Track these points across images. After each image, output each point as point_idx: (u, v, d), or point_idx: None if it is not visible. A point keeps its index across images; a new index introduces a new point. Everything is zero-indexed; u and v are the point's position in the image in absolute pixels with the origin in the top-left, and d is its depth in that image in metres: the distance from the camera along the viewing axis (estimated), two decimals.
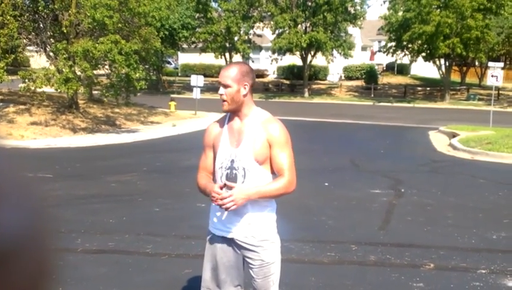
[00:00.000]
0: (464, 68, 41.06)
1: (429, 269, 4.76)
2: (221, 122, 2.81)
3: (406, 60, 38.31)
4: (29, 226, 0.45)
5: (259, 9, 34.63)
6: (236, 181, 2.64)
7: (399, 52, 35.17)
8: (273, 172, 2.69)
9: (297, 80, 38.10)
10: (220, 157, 2.71)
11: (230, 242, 2.74)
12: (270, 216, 2.74)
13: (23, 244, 0.43)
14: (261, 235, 2.69)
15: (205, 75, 33.17)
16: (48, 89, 16.48)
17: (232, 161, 2.66)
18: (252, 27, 34.94)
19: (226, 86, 2.64)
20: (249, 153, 2.63)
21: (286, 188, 2.63)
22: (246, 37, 35.34)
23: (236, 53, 35.80)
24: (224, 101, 2.65)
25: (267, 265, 2.70)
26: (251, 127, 2.67)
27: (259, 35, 36.37)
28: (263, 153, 2.64)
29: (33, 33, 17.39)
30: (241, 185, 2.61)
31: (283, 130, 2.69)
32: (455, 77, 40.48)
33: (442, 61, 34.29)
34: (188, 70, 45.05)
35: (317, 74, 43.80)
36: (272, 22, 33.92)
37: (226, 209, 2.57)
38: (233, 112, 2.71)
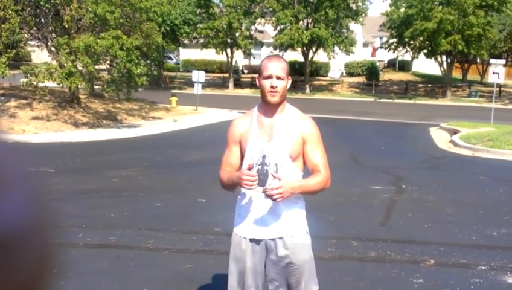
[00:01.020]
0: (466, 65, 41.01)
1: (429, 265, 4.78)
2: (248, 118, 2.73)
3: (407, 57, 38.30)
4: (31, 218, 0.45)
5: (260, 5, 34.56)
6: (267, 178, 2.55)
7: (400, 48, 35.14)
8: (303, 169, 2.66)
9: (299, 76, 38.02)
10: (251, 152, 2.63)
11: (259, 244, 2.65)
12: (302, 213, 2.69)
13: (25, 236, 0.43)
14: (296, 234, 2.62)
15: (206, 71, 33.14)
16: (50, 84, 16.49)
17: (264, 157, 2.59)
18: (254, 23, 34.87)
19: (279, 78, 2.58)
20: (283, 149, 2.58)
21: (325, 183, 2.59)
22: (248, 33, 35.28)
23: (237, 49, 35.76)
24: (276, 92, 2.57)
25: (300, 265, 2.63)
26: (284, 122, 2.62)
27: (261, 31, 36.31)
28: (296, 150, 2.60)
29: (35, 28, 17.39)
30: (284, 179, 2.49)
31: (316, 127, 2.68)
32: (457, 74, 40.43)
33: (444, 58, 34.26)
34: (189, 65, 45.00)
35: (319, 70, 43.76)
36: (273, 18, 33.86)
37: (274, 200, 2.45)
38: (268, 106, 2.63)
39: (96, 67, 16.34)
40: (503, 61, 20.47)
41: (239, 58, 42.42)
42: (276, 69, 2.57)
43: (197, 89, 22.14)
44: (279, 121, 2.62)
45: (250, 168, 2.53)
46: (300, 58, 37.52)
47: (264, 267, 2.69)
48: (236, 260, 2.71)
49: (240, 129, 2.72)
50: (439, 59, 34.19)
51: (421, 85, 40.21)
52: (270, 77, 2.57)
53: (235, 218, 2.75)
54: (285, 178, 2.50)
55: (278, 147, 2.58)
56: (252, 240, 2.65)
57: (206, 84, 32.12)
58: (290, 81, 2.66)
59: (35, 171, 0.51)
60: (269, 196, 2.44)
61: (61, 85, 15.88)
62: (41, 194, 0.48)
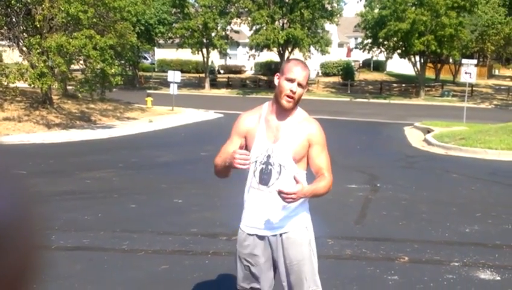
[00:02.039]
0: (439, 65, 41.75)
1: (404, 262, 4.83)
2: (257, 114, 2.71)
3: (381, 57, 38.81)
4: (16, 219, 0.45)
5: (236, 5, 34.56)
6: (270, 177, 2.59)
7: (375, 49, 35.58)
8: (306, 169, 2.67)
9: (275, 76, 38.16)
10: (256, 151, 2.63)
11: (263, 240, 2.68)
12: (305, 211, 2.71)
13: (10, 237, 0.43)
14: (297, 232, 2.64)
15: (182, 71, 32.97)
16: (21, 84, 16.15)
17: (268, 157, 2.60)
18: (229, 23, 34.85)
19: (300, 85, 2.56)
20: (287, 150, 2.59)
21: (329, 187, 2.60)
22: (223, 33, 35.25)
23: (213, 49, 35.68)
24: (292, 99, 2.55)
25: (301, 261, 2.65)
26: (291, 124, 2.62)
27: (237, 31, 36.31)
28: (301, 152, 2.61)
29: (5, 27, 17.01)
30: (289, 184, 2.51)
31: (322, 130, 2.68)
32: (430, 74, 41.13)
33: (417, 58, 34.80)
34: (165, 65, 44.69)
35: None
36: (249, 18, 33.89)
37: (287, 202, 2.45)
38: (279, 109, 2.60)
39: (70, 67, 16.07)
40: (474, 61, 20.89)
41: (215, 58, 42.33)
42: (300, 75, 2.55)
43: (173, 89, 22.00)
44: (286, 123, 2.62)
45: (242, 147, 2.55)
46: (276, 59, 37.64)
47: (273, 264, 2.73)
48: (241, 256, 2.74)
49: (248, 125, 2.71)
50: (412, 59, 34.71)
51: (395, 85, 40.77)
52: (292, 80, 2.54)
53: (243, 213, 2.76)
54: (303, 183, 2.49)
55: (283, 149, 2.59)
56: (256, 236, 2.68)
57: (182, 85, 31.93)
58: (306, 90, 2.65)
59: (17, 173, 0.50)
60: (283, 198, 2.43)
61: (32, 86, 15.58)
62: (26, 196, 0.48)
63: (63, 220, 6.05)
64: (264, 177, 2.59)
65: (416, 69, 35.20)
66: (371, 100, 32.52)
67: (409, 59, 34.77)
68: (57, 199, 7.13)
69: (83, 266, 4.70)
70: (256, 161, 2.61)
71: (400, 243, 5.41)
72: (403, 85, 39.87)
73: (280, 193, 2.41)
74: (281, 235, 2.64)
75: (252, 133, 2.66)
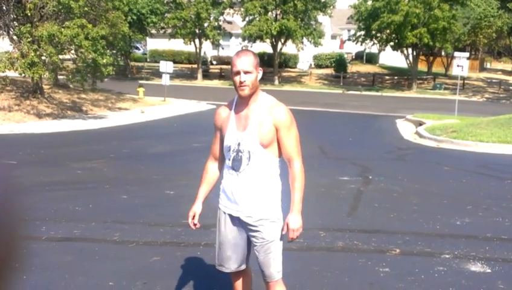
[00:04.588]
0: (431, 58, 41.83)
1: (395, 254, 4.85)
2: (229, 107, 2.93)
3: (374, 49, 38.84)
4: None
5: None
6: (241, 164, 2.79)
7: (368, 41, 35.56)
8: (279, 155, 2.83)
9: (268, 67, 38.03)
10: (228, 140, 2.85)
11: (236, 220, 2.90)
12: (273, 195, 2.85)
13: None
14: (263, 214, 2.82)
15: (174, 61, 32.76)
16: (11, 74, 15.98)
17: (239, 144, 2.80)
18: (222, 13, 34.66)
19: (247, 72, 2.73)
20: (254, 137, 2.76)
21: (303, 172, 2.81)
22: (216, 24, 35.04)
23: (206, 39, 35.48)
24: (245, 86, 2.73)
25: (267, 243, 2.83)
26: (257, 111, 2.79)
27: (230, 22, 36.12)
28: (268, 137, 2.76)
29: None
30: (293, 217, 2.77)
31: (288, 113, 2.80)
32: (422, 67, 41.22)
33: (410, 50, 34.84)
34: (157, 56, 44.43)
35: (288, 61, 43.86)
36: (242, 9, 33.70)
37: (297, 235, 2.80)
38: (242, 98, 2.80)
39: (61, 56, 15.91)
40: (467, 54, 20.95)
41: (207, 49, 42.11)
42: (243, 64, 2.73)
43: (165, 80, 21.88)
44: (253, 110, 2.79)
45: (193, 217, 2.99)
46: (269, 50, 37.53)
47: (248, 243, 2.97)
48: (218, 232, 3.00)
49: (221, 118, 2.94)
50: (405, 52, 34.75)
51: (387, 77, 40.83)
52: (238, 73, 2.73)
53: (220, 194, 3.01)
54: (289, 220, 2.77)
55: (250, 136, 2.76)
56: (230, 216, 2.92)
57: (174, 75, 31.77)
58: (260, 73, 2.81)
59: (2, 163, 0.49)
60: (296, 237, 2.81)
61: (23, 75, 15.42)
62: (7, 186, 0.48)
63: (54, 210, 6.00)
64: (236, 164, 2.81)
65: (408, 62, 35.26)
66: (364, 92, 32.56)
67: (402, 52, 34.81)
68: (47, 189, 7.08)
69: (74, 257, 4.67)
70: (229, 150, 2.84)
71: (391, 235, 5.43)
72: (395, 78, 39.94)
73: (292, 239, 2.80)
74: (249, 217, 2.83)
75: (225, 124, 2.88)
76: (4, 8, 16.86)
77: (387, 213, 6.28)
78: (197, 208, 3.01)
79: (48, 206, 6.17)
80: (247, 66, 2.73)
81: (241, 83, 2.72)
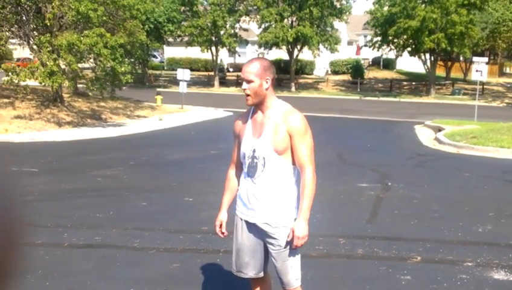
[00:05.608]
0: (449, 63, 41.43)
1: (416, 261, 4.80)
2: (247, 115, 2.96)
3: (391, 55, 38.56)
4: None
5: (245, 3, 34.51)
6: (256, 170, 2.81)
7: (385, 46, 35.36)
8: (293, 162, 2.81)
9: (284, 74, 38.09)
10: (244, 147, 2.89)
11: (253, 227, 2.90)
12: (289, 202, 2.83)
13: None
14: (279, 221, 2.80)
15: (191, 69, 33.02)
16: (32, 82, 16.25)
17: (254, 151, 2.82)
18: (238, 21, 34.82)
19: (249, 81, 2.75)
20: (268, 143, 2.78)
21: (314, 180, 2.77)
22: (232, 31, 35.21)
23: (222, 47, 35.68)
24: (248, 95, 2.77)
25: (284, 250, 2.82)
26: (272, 119, 2.80)
27: (246, 29, 36.27)
28: (282, 144, 2.77)
29: (16, 26, 17.12)
30: (300, 224, 2.73)
31: (302, 120, 2.80)
32: (440, 72, 40.83)
33: (428, 56, 34.55)
34: (174, 64, 44.79)
35: (304, 68, 43.86)
36: (258, 16, 33.83)
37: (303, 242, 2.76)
38: (257, 106, 2.83)
39: (80, 65, 16.15)
40: (485, 59, 20.71)
41: (224, 57, 42.34)
42: (244, 73, 2.78)
43: (182, 88, 22.03)
44: (268, 117, 2.81)
45: (220, 225, 3.01)
46: (286, 57, 37.57)
47: (265, 250, 2.95)
48: (235, 238, 3.00)
49: (239, 126, 2.99)
50: (422, 57, 34.47)
51: (405, 83, 40.53)
52: (242, 81, 2.80)
53: (236, 200, 3.05)
54: (295, 227, 2.73)
55: (264, 143, 2.78)
56: (247, 222, 2.92)
57: (191, 83, 31.99)
58: (267, 80, 2.77)
59: (2, 171, 0.49)
60: (300, 244, 2.76)
61: (43, 84, 15.68)
62: (7, 194, 0.47)
63: (75, 217, 6.08)
64: (251, 170, 2.83)
65: (426, 67, 34.96)
66: (381, 98, 32.36)
67: (419, 57, 34.53)
68: (68, 196, 7.17)
69: (95, 263, 4.72)
70: (245, 156, 2.87)
71: (412, 242, 5.37)
72: (413, 83, 39.62)
73: (296, 247, 2.76)
74: (266, 223, 2.83)
75: (242, 132, 2.92)
76: (24, 18, 17.19)
77: (408, 220, 6.22)
78: (222, 217, 3.03)
79: (69, 213, 6.24)
80: (248, 75, 2.75)
81: (243, 91, 2.79)
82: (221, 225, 3.01)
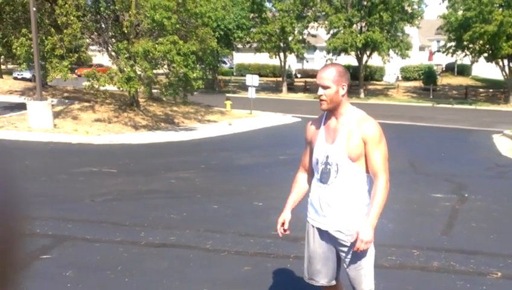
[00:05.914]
0: None
1: (496, 277, 4.58)
2: (319, 120, 2.94)
3: (466, 61, 36.99)
4: None
5: (313, 9, 34.41)
6: (329, 176, 2.79)
7: (459, 52, 33.97)
8: (367, 170, 2.77)
9: (353, 80, 37.47)
10: (316, 153, 2.87)
11: (325, 234, 2.88)
12: (362, 210, 2.80)
13: None
14: (353, 228, 2.76)
15: (260, 75, 33.35)
16: (110, 87, 17.07)
17: (327, 157, 2.80)
18: (306, 27, 34.77)
19: (325, 87, 2.75)
20: (342, 150, 2.75)
21: (386, 189, 2.71)
22: (300, 37, 35.22)
23: (290, 53, 35.76)
24: (323, 100, 2.76)
25: (357, 258, 2.81)
26: (346, 125, 2.78)
27: (314, 35, 36.15)
28: (356, 151, 2.74)
29: (95, 33, 18.09)
30: (363, 226, 2.68)
31: (377, 128, 2.78)
32: None
33: (506, 62, 32.83)
34: (243, 69, 45.43)
35: (373, 74, 43.06)
36: (326, 22, 33.62)
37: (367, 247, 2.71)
38: (330, 111, 2.82)
39: (154, 71, 16.79)
40: None
41: (292, 63, 42.41)
42: (320, 79, 2.77)
43: (251, 93, 22.30)
44: (342, 124, 2.80)
45: (283, 224, 2.99)
46: (354, 63, 37.07)
47: (337, 257, 2.94)
48: (307, 245, 3.00)
49: (311, 131, 2.98)
50: (500, 63, 32.81)
51: (481, 90, 38.74)
52: (318, 86, 2.78)
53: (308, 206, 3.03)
54: (360, 230, 2.67)
55: (338, 149, 2.76)
56: (319, 229, 2.90)
57: (260, 88, 32.28)
58: (343, 87, 2.78)
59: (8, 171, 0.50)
60: (363, 249, 2.71)
61: (121, 89, 16.42)
62: (8, 199, 0.48)
63: (151, 217, 6.31)
64: (324, 177, 2.81)
65: (504, 74, 33.22)
66: (455, 106, 31.11)
67: (497, 63, 32.88)
68: (144, 197, 7.46)
69: (170, 262, 4.88)
70: (317, 162, 2.85)
71: (491, 257, 5.13)
72: (490, 90, 37.78)
73: (357, 250, 2.69)
74: (338, 231, 2.81)
75: (315, 137, 2.91)
76: (103, 26, 18.12)
77: (487, 233, 5.95)
78: (286, 215, 3.00)
79: (145, 213, 6.50)
80: (324, 81, 2.74)
81: (319, 96, 2.77)
82: (283, 223, 2.98)
